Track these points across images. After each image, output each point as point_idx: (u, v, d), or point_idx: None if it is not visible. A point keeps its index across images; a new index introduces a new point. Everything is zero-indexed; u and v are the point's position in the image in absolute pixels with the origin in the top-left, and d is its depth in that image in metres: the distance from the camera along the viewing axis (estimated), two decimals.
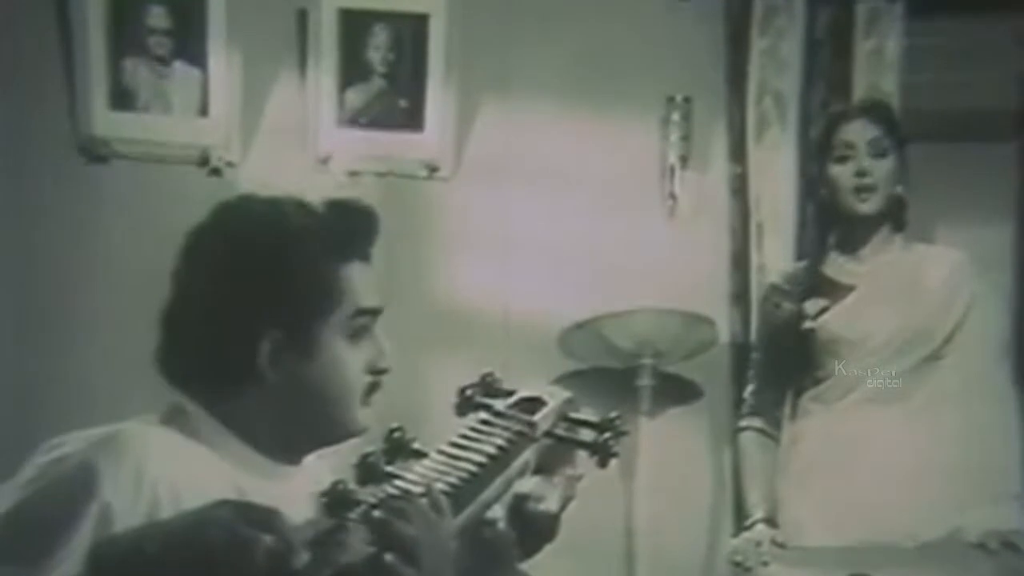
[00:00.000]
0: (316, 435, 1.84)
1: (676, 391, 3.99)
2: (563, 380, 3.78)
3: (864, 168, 3.23)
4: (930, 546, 3.10)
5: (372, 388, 1.83)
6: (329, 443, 1.86)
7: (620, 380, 3.87)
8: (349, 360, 1.80)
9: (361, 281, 1.82)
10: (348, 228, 1.84)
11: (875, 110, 3.35)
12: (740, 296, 3.99)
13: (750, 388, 3.42)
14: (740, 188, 4.05)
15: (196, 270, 1.82)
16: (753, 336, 3.72)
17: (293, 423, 1.80)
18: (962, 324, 3.22)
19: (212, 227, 1.84)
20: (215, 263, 1.82)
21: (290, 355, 1.78)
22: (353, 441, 1.80)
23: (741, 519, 3.36)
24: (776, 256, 3.92)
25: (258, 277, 1.80)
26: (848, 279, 3.30)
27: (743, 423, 3.41)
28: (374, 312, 1.83)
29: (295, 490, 1.76)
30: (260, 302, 1.79)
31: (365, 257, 1.85)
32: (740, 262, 4.01)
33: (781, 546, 3.18)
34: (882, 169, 3.25)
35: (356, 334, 1.81)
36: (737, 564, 3.19)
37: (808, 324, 3.25)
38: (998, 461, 3.14)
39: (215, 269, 1.81)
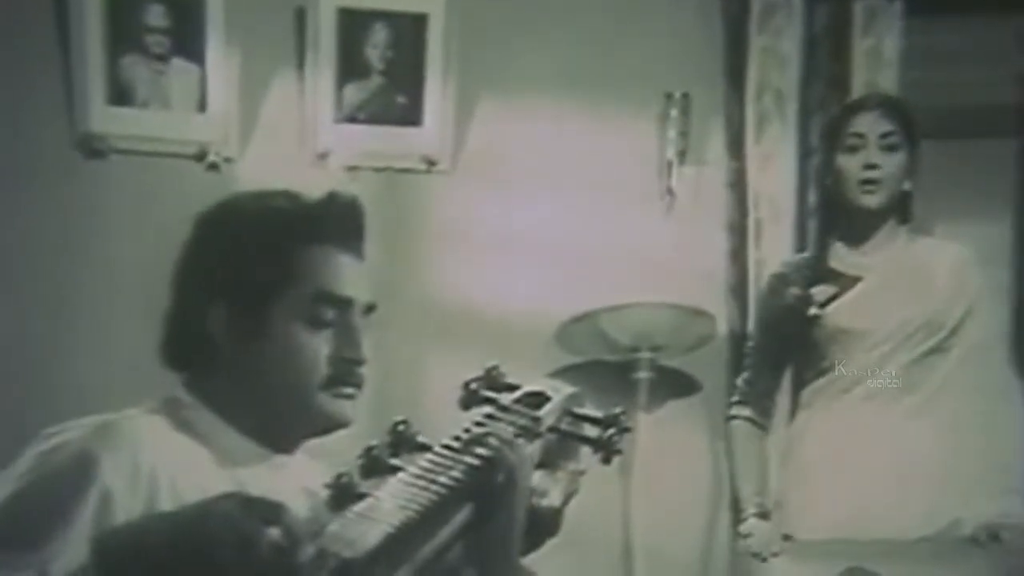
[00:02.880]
0: (290, 421, 1.82)
1: (674, 385, 3.99)
2: (561, 374, 3.77)
3: (873, 161, 3.21)
4: (931, 540, 3.10)
5: (345, 378, 1.80)
6: (308, 432, 1.84)
7: (618, 374, 3.87)
8: (305, 344, 1.78)
9: (330, 267, 1.81)
10: (321, 214, 1.83)
11: (890, 104, 3.32)
12: (738, 290, 3.99)
13: (743, 376, 3.41)
14: (738, 183, 4.06)
15: (180, 255, 1.86)
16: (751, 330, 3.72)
17: (264, 406, 1.80)
18: (968, 317, 3.20)
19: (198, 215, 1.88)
20: (186, 244, 1.85)
21: (241, 332, 1.79)
22: (350, 439, 1.78)
23: (739, 512, 3.36)
24: (774, 251, 3.92)
25: (211, 253, 1.83)
26: (854, 271, 3.28)
27: (733, 411, 3.38)
28: (343, 300, 1.81)
29: (289, 481, 1.78)
30: (211, 276, 1.82)
31: (346, 247, 1.83)
32: (738, 257, 4.02)
33: (785, 538, 3.18)
34: (891, 164, 3.22)
35: (317, 319, 1.79)
36: (755, 555, 3.18)
37: (814, 311, 3.23)
38: (1001, 455, 3.13)
39: (184, 249, 1.85)
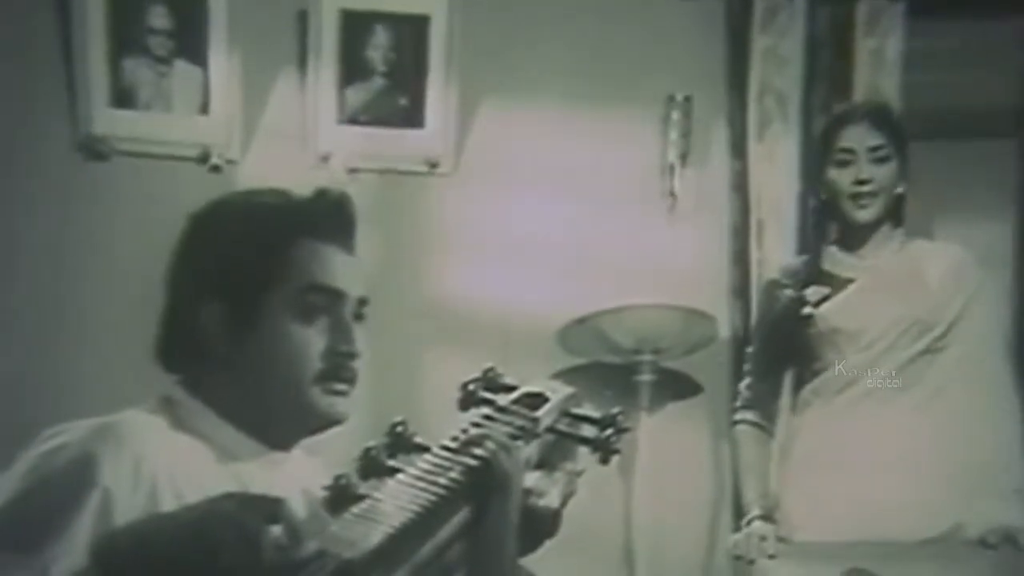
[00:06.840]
0: (284, 417, 1.82)
1: (676, 387, 3.99)
2: (562, 376, 3.77)
3: (864, 176, 3.20)
4: (930, 541, 3.09)
5: (338, 373, 1.80)
6: (302, 428, 1.84)
7: (620, 376, 3.87)
8: (298, 337, 1.79)
9: (320, 261, 1.81)
10: (311, 209, 1.84)
11: (877, 114, 3.31)
12: (740, 292, 4.00)
13: (745, 381, 3.41)
14: (741, 185, 4.06)
15: (172, 255, 1.87)
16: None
17: (258, 401, 1.80)
18: (962, 317, 3.20)
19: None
20: (177, 243, 1.86)
21: (234, 328, 1.79)
22: (348, 440, 1.78)
23: (740, 514, 3.37)
24: (776, 253, 3.92)
25: (202, 250, 1.84)
26: (847, 272, 3.29)
27: (737, 416, 3.38)
28: (334, 293, 1.81)
29: (288, 478, 1.77)
30: (203, 274, 1.82)
31: (337, 242, 1.84)
32: (740, 259, 4.02)
33: (781, 540, 3.18)
34: (883, 175, 3.22)
35: (309, 312, 1.79)
36: (738, 558, 3.19)
37: (808, 310, 3.23)
38: (999, 455, 3.13)
39: (176, 248, 1.86)
